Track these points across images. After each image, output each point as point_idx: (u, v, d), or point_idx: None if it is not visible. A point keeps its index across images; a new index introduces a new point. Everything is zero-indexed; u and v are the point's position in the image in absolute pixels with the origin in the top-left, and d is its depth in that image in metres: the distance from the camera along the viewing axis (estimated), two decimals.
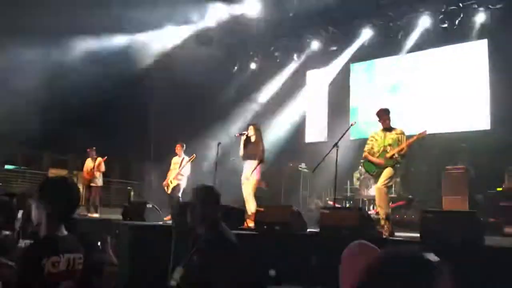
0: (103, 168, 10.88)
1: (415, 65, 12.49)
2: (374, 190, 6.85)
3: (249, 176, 7.67)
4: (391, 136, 6.64)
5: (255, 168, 7.67)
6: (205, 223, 2.99)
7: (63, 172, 15.44)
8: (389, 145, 6.57)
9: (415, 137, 6.50)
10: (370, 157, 6.70)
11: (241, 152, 7.91)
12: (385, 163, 6.47)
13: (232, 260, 2.80)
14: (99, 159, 10.84)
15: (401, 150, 6.46)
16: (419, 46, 12.12)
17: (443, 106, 11.71)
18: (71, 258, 2.35)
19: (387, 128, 6.75)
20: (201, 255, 2.80)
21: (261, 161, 7.75)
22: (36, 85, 11.88)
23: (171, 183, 9.68)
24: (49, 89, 12.06)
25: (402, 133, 6.70)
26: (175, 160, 9.89)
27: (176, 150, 9.85)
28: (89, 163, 11.02)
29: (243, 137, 7.90)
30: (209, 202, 3.05)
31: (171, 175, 9.79)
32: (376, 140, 6.79)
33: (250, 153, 7.80)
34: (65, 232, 2.44)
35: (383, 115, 6.82)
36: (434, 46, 12.09)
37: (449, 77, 11.80)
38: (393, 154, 6.47)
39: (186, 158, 9.66)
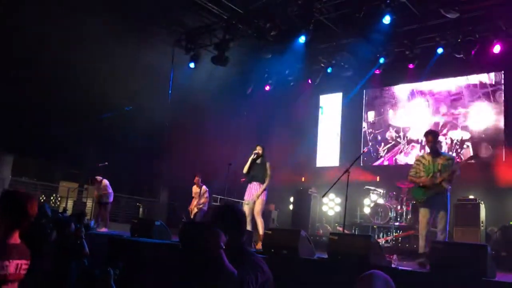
0: (110, 191, 10.93)
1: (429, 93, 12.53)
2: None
3: (255, 198, 7.62)
4: (440, 162, 6.24)
5: (262, 191, 7.63)
6: (226, 247, 2.70)
7: (74, 185, 15.55)
8: (439, 171, 6.17)
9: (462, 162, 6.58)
10: (418, 180, 6.33)
11: (246, 168, 7.86)
12: (435, 189, 6.13)
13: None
14: (104, 181, 10.89)
15: (451, 174, 6.10)
16: (433, 75, 12.15)
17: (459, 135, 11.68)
18: (19, 264, 2.73)
19: (435, 152, 6.39)
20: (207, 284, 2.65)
21: (267, 184, 7.72)
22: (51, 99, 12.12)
23: (193, 210, 10.86)
24: (63, 103, 12.28)
25: (452, 158, 6.42)
26: (195, 189, 10.96)
27: (195, 181, 10.91)
28: (96, 188, 11.14)
29: (252, 156, 7.86)
30: (231, 223, 2.76)
31: (193, 202, 10.91)
32: (423, 164, 6.37)
33: (257, 175, 7.76)
34: (18, 241, 2.80)
35: (431, 137, 6.38)
36: (448, 75, 12.12)
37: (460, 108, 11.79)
38: (443, 179, 6.09)
39: (204, 188, 10.85)
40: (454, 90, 12.20)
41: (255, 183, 7.76)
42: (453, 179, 6.22)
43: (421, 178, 6.31)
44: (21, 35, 10.83)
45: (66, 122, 12.78)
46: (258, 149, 7.90)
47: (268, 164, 7.81)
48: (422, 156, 6.53)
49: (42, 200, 13.45)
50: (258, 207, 7.62)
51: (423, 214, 6.28)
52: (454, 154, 11.47)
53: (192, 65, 13.05)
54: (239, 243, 2.75)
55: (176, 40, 13.08)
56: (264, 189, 7.70)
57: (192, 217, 10.82)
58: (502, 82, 11.52)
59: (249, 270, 2.61)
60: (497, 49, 10.37)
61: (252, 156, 7.87)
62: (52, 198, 15.07)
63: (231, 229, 2.72)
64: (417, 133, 12.48)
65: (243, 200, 7.98)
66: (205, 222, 3.00)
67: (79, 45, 11.29)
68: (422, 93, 12.78)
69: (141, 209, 13.94)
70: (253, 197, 7.69)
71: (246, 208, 7.70)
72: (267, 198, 7.91)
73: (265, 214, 11.32)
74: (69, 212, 12.45)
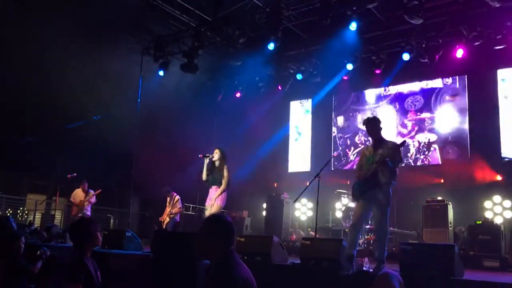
0: (94, 200, 10.93)
1: (395, 98, 12.81)
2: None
3: (213, 202, 7.44)
4: (380, 152, 5.52)
5: (219, 195, 7.43)
6: (213, 257, 2.75)
7: (42, 197, 15.17)
8: (376, 162, 5.43)
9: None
10: (357, 174, 5.70)
11: (204, 175, 7.57)
12: (371, 182, 5.43)
13: None
14: (91, 192, 10.84)
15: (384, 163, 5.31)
16: (399, 80, 12.43)
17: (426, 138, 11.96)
18: None
19: (378, 142, 5.71)
20: None
21: (225, 188, 7.47)
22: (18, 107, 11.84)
23: (165, 220, 10.93)
24: (29, 112, 12.02)
25: (393, 147, 5.56)
26: (168, 199, 11.08)
27: (164, 191, 11.10)
28: (79, 194, 10.98)
29: (207, 160, 7.57)
30: (218, 233, 2.75)
31: (165, 212, 11.01)
32: (366, 156, 5.73)
33: (215, 179, 7.53)
34: None
35: (371, 125, 5.80)
36: (415, 80, 12.43)
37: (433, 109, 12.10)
38: (376, 170, 5.39)
39: (177, 198, 10.99)
40: (420, 94, 12.51)
41: (214, 187, 7.54)
42: (392, 173, 5.40)
43: (361, 171, 5.66)
44: None
45: (33, 132, 12.51)
46: (215, 152, 7.65)
47: (226, 167, 7.54)
48: (366, 148, 5.91)
49: (8, 214, 13.07)
50: (213, 211, 7.31)
51: (357, 207, 5.73)
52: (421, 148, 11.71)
53: (161, 73, 12.94)
54: (227, 252, 2.73)
55: (144, 48, 12.96)
56: (221, 193, 7.45)
57: (164, 226, 10.73)
58: (466, 85, 11.87)
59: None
60: (460, 53, 10.66)
61: (206, 161, 7.63)
62: (19, 211, 14.67)
63: (218, 240, 2.72)
64: (385, 136, 12.70)
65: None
66: (185, 232, 2.95)
67: (46, 54, 11.07)
68: (389, 97, 13.05)
69: (111, 220, 13.70)
70: (211, 201, 7.53)
71: (206, 214, 7.50)
72: (225, 203, 7.59)
73: (238, 221, 11.32)
74: (37, 225, 12.14)
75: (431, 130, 12.15)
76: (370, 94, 13.43)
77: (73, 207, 11.05)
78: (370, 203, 5.49)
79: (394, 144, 5.64)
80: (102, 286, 3.72)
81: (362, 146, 13.10)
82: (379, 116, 12.53)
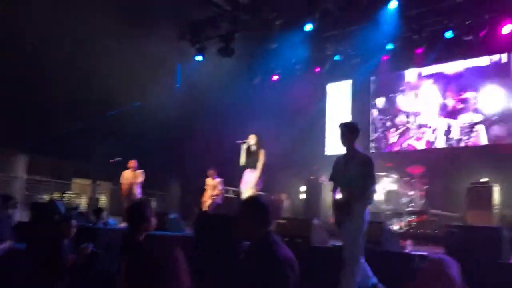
0: (143, 180, 10.97)
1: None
2: None
3: (250, 186, 7.57)
4: (351, 170, 4.63)
5: (255, 178, 7.57)
6: (252, 238, 2.78)
7: (87, 182, 15.70)
8: (347, 184, 4.62)
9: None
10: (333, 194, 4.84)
11: (242, 160, 7.80)
12: (345, 210, 4.57)
13: (280, 277, 2.57)
14: (140, 171, 10.97)
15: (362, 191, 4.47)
16: (441, 59, 12.03)
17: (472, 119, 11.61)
18: None
19: (350, 153, 4.80)
20: (252, 273, 2.62)
21: (261, 171, 7.64)
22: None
23: (206, 202, 10.95)
24: (72, 100, 12.36)
25: (364, 163, 4.62)
26: (209, 181, 11.11)
27: (209, 174, 11.08)
28: (128, 175, 11.06)
29: (244, 146, 7.80)
30: (255, 215, 2.77)
31: (206, 194, 11.02)
32: (337, 170, 4.88)
33: (251, 163, 7.70)
34: None
35: (344, 129, 4.87)
36: (457, 58, 12.00)
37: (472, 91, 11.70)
38: (349, 199, 4.52)
39: (218, 180, 11.00)
40: (463, 72, 12.06)
41: (249, 170, 7.71)
42: (364, 195, 4.58)
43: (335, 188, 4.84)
44: (28, 34, 10.91)
45: (77, 119, 12.88)
46: (250, 138, 7.82)
47: (261, 151, 7.70)
48: (338, 158, 4.96)
49: (54, 198, 13.59)
50: (249, 194, 7.34)
51: (342, 240, 4.75)
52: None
53: (198, 58, 13.02)
54: (266, 233, 2.77)
55: (181, 33, 13.05)
56: (257, 175, 7.58)
57: (205, 209, 10.82)
58: None
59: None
60: (506, 29, 10.22)
61: (243, 146, 7.80)
62: (66, 195, 15.22)
63: (256, 221, 2.76)
64: (428, 117, 12.41)
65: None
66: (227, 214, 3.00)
67: (85, 42, 11.34)
68: (431, 76, 12.65)
69: (154, 203, 14.02)
70: (246, 184, 7.63)
71: (242, 197, 7.61)
72: (261, 185, 7.76)
73: (277, 204, 11.39)
74: (83, 208, 12.59)
75: (476, 110, 11.74)
76: (411, 74, 13.06)
77: (122, 187, 11.10)
78: (343, 230, 4.63)
79: (365, 159, 4.72)
80: None
81: (404, 128, 12.84)
82: (421, 96, 12.32)
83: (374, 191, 4.72)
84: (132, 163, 11.03)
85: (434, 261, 2.07)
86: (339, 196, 4.74)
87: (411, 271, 3.37)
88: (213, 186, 11.08)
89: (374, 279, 4.50)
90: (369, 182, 4.57)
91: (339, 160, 4.87)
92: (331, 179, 4.95)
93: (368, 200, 4.63)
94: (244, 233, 2.82)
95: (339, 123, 4.94)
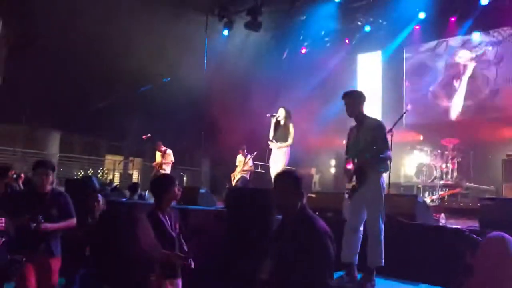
0: (170, 158, 11.10)
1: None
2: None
3: (279, 161, 7.46)
4: (363, 136, 4.42)
5: (283, 151, 7.42)
6: (291, 211, 2.78)
7: (119, 158, 16.03)
8: (361, 151, 4.38)
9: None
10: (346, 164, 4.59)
11: (271, 134, 7.66)
12: (360, 176, 4.33)
13: (322, 248, 2.62)
14: (168, 151, 11.09)
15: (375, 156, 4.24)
16: (477, 27, 11.59)
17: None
18: None
19: (359, 121, 4.52)
20: (292, 245, 2.64)
21: (290, 144, 7.49)
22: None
23: (235, 177, 10.91)
24: (102, 77, 12.54)
25: (377, 128, 4.40)
26: (239, 158, 11.02)
27: (240, 151, 11.02)
28: (158, 157, 11.26)
29: (274, 119, 7.65)
30: (293, 187, 2.77)
31: (236, 170, 10.97)
32: (350, 139, 4.66)
33: (280, 136, 7.56)
34: None
35: (348, 99, 4.56)
36: (493, 27, 11.54)
37: None
38: (362, 164, 4.31)
39: (248, 156, 10.86)
40: (500, 42, 11.59)
41: (277, 144, 7.53)
42: (381, 160, 4.35)
43: (348, 159, 4.57)
44: (61, 12, 11.02)
45: (108, 97, 13.07)
46: (279, 111, 7.70)
47: (291, 125, 7.54)
48: (351, 129, 4.70)
49: (88, 174, 13.95)
50: (279, 168, 7.19)
51: (349, 208, 4.54)
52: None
53: (226, 32, 12.94)
54: (303, 206, 2.77)
55: (209, 8, 12.96)
56: (285, 147, 7.44)
57: (234, 183, 10.93)
58: None
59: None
60: None
61: (272, 120, 7.73)
62: (99, 171, 15.61)
63: (289, 194, 2.75)
64: (462, 87, 12.07)
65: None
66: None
67: (114, 19, 11.39)
68: (465, 46, 12.23)
69: (185, 178, 14.23)
70: (275, 157, 7.56)
71: (272, 171, 7.51)
72: (289, 159, 7.58)
73: (307, 178, 11.39)
74: (116, 183, 12.88)
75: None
76: (445, 43, 12.65)
77: (153, 168, 11.32)
78: (359, 200, 4.35)
79: (376, 123, 4.46)
80: (184, 238, 3.94)
81: (437, 99, 12.52)
82: (454, 66, 11.95)
83: (389, 158, 4.51)
84: (159, 146, 11.18)
85: (493, 240, 1.92)
86: (350, 166, 4.47)
87: (463, 248, 3.31)
88: (243, 163, 11.12)
89: (356, 259, 4.32)
90: (383, 147, 4.33)
91: (351, 132, 4.64)
92: (346, 153, 4.70)
93: (383, 167, 4.42)
94: (283, 206, 2.82)
95: (342, 96, 4.59)
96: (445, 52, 12.60)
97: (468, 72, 12.02)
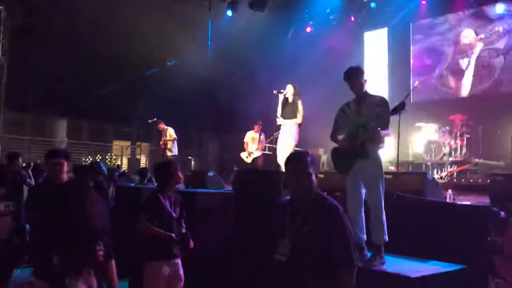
0: (173, 135, 10.94)
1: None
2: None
3: (289, 140, 7.30)
4: (364, 112, 4.31)
5: (295, 131, 7.28)
6: (307, 191, 2.77)
7: (126, 143, 16.07)
8: (361, 126, 4.23)
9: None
10: (337, 140, 4.48)
11: (279, 112, 7.48)
12: (357, 152, 4.25)
13: (344, 228, 2.65)
14: (169, 129, 10.97)
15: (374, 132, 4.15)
16: (486, 1, 11.36)
17: None
18: None
19: (360, 97, 4.43)
20: (311, 226, 2.65)
21: (300, 123, 7.34)
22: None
23: (252, 154, 10.40)
24: (107, 63, 12.49)
25: (382, 104, 4.34)
26: (252, 135, 10.56)
27: (256, 127, 10.52)
28: (161, 136, 11.16)
29: (281, 96, 7.46)
30: (306, 170, 2.75)
31: (251, 147, 10.47)
32: (347, 115, 4.50)
33: (288, 113, 7.38)
34: None
35: (350, 77, 4.48)
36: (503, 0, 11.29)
37: None
38: (363, 141, 4.20)
39: (263, 135, 10.48)
40: (507, 15, 11.34)
41: (288, 122, 7.38)
42: (383, 137, 4.28)
43: (341, 136, 4.46)
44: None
45: (113, 82, 13.04)
46: (287, 88, 7.47)
47: (299, 102, 7.34)
48: (347, 105, 4.56)
49: (96, 160, 14.00)
50: (289, 150, 6.94)
51: (349, 186, 4.38)
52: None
53: (229, 13, 12.79)
54: (311, 187, 2.78)
55: None
56: (297, 125, 7.28)
57: (250, 162, 10.47)
58: None
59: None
60: None
61: (280, 97, 7.46)
62: (107, 157, 15.68)
63: (305, 175, 2.74)
64: (470, 61, 11.89)
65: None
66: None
67: (117, 2, 11.32)
68: (474, 20, 11.99)
69: (193, 162, 14.25)
70: (284, 136, 7.41)
71: (280, 151, 7.41)
72: (298, 139, 7.42)
73: (315, 159, 11.31)
74: (124, 169, 12.92)
75: None
76: (453, 18, 12.41)
77: (160, 148, 11.24)
78: (358, 176, 4.28)
79: (382, 100, 4.38)
80: (191, 222, 4.02)
81: (445, 75, 12.36)
82: (463, 41, 11.75)
83: (389, 134, 4.46)
84: (159, 124, 11.04)
85: None
86: (341, 137, 4.42)
87: (485, 225, 3.29)
88: (253, 139, 10.65)
89: (364, 236, 4.26)
90: (387, 123, 4.28)
91: (346, 107, 4.53)
92: (334, 131, 4.54)
93: (382, 142, 4.34)
94: (296, 188, 2.80)
95: (343, 76, 4.51)
96: (452, 28, 12.38)
97: (477, 50, 11.82)
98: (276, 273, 2.73)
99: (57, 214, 2.88)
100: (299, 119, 7.38)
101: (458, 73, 12.16)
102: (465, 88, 11.99)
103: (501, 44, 11.44)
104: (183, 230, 3.94)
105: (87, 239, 2.88)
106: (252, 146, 10.59)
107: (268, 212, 4.31)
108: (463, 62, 12.09)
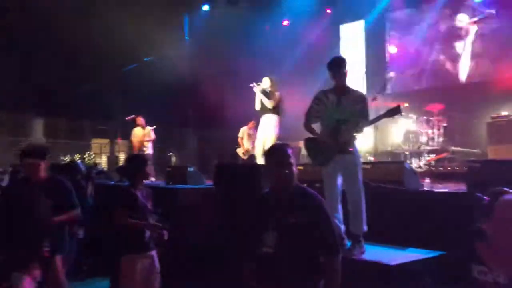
0: (152, 136, 10.75)
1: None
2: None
3: (268, 131, 7.30)
4: (347, 106, 4.28)
5: (275, 124, 7.31)
6: (287, 185, 2.77)
7: (104, 141, 15.89)
8: (344, 122, 4.23)
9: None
10: (313, 131, 4.49)
11: (257, 105, 7.45)
12: (337, 147, 4.23)
13: (328, 219, 2.73)
14: (148, 128, 10.76)
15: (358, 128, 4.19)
16: None
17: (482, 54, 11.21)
18: None
19: (341, 88, 4.36)
20: (297, 217, 2.66)
21: (279, 114, 7.35)
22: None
23: (249, 151, 10.23)
24: (84, 60, 12.31)
25: (363, 100, 4.35)
26: (248, 131, 10.45)
27: (251, 124, 10.33)
28: (138, 132, 10.85)
29: (258, 89, 7.43)
30: (289, 161, 2.75)
31: (247, 144, 10.36)
32: (325, 105, 4.40)
33: (267, 107, 7.34)
34: None
35: (337, 66, 4.36)
36: None
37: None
38: (346, 141, 4.22)
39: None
40: (483, 5, 11.49)
41: (267, 115, 7.39)
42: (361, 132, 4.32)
43: (320, 130, 4.48)
44: None
45: (90, 79, 12.87)
46: (264, 81, 7.45)
47: (277, 94, 7.35)
48: (324, 93, 4.45)
49: (75, 159, 13.82)
50: (269, 142, 7.08)
51: (326, 177, 4.38)
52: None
53: (205, 7, 12.71)
54: (292, 178, 2.78)
55: None
56: (277, 120, 7.31)
57: (247, 158, 10.32)
58: None
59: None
60: None
61: (257, 90, 7.42)
62: (86, 155, 15.48)
63: (282, 166, 2.74)
64: (447, 52, 12.05)
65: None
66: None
67: (93, 2, 11.16)
68: (452, 9, 12.10)
69: (173, 158, 14.16)
70: (264, 129, 7.40)
71: (258, 145, 7.42)
72: (279, 131, 7.43)
73: (296, 150, 11.35)
74: (103, 167, 12.78)
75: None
76: (430, 8, 12.51)
77: (133, 146, 10.99)
78: (337, 168, 4.29)
79: (362, 95, 4.44)
80: (172, 219, 4.08)
81: (421, 65, 12.49)
82: (440, 31, 11.86)
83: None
84: (140, 120, 10.77)
85: (510, 203, 1.82)
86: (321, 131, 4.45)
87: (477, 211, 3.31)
88: (249, 135, 10.54)
89: (343, 226, 4.34)
90: (368, 119, 4.32)
91: (323, 97, 4.43)
92: (310, 117, 4.51)
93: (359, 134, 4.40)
94: (276, 179, 2.79)
95: (327, 66, 4.42)
96: (429, 19, 12.50)
97: (451, 35, 11.98)
98: (262, 266, 2.72)
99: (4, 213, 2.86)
100: (278, 112, 7.38)
101: (436, 62, 12.32)
102: (442, 76, 12.16)
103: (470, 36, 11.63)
104: (157, 223, 3.99)
105: (33, 236, 2.84)
106: (248, 143, 10.50)
107: (248, 205, 4.32)
108: (439, 52, 12.25)
